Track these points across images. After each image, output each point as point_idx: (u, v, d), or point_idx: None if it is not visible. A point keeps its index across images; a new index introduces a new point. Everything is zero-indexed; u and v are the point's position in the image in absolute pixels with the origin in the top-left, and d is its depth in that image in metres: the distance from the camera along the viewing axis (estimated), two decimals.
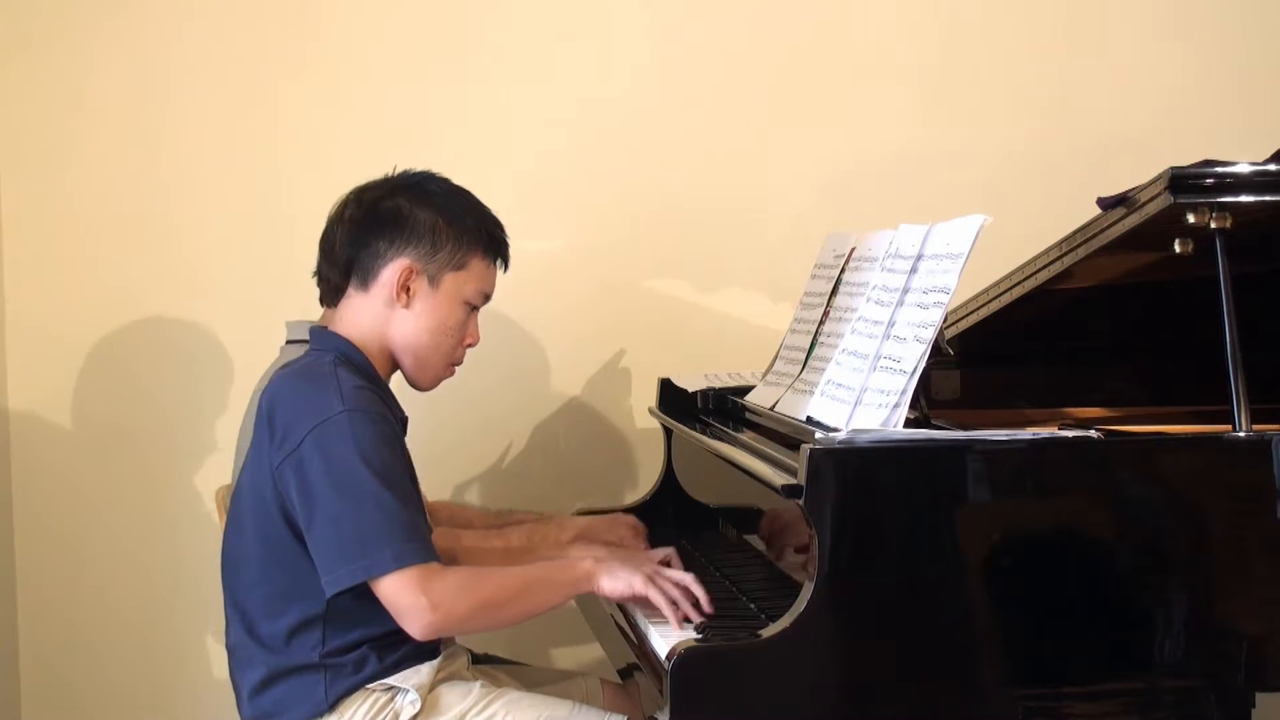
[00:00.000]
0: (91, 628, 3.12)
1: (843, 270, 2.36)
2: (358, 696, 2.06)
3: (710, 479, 2.60)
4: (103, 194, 3.10)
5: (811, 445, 1.86)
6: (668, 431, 2.82)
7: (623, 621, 2.18)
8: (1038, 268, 2.24)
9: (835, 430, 1.95)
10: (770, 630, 1.85)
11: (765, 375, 2.50)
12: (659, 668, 1.89)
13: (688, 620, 2.04)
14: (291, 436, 2.01)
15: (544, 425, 3.19)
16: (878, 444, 1.88)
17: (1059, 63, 3.27)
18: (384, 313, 2.17)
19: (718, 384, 2.73)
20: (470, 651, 2.31)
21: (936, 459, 1.90)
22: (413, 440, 2.17)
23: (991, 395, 2.65)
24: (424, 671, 2.08)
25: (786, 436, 2.14)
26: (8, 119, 3.07)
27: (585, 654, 3.10)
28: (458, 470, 3.14)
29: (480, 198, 2.24)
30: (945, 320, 2.07)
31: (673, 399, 2.79)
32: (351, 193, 2.24)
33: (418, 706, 2.05)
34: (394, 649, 2.07)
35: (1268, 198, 1.98)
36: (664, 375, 2.85)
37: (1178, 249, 2.02)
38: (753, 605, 2.15)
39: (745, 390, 2.56)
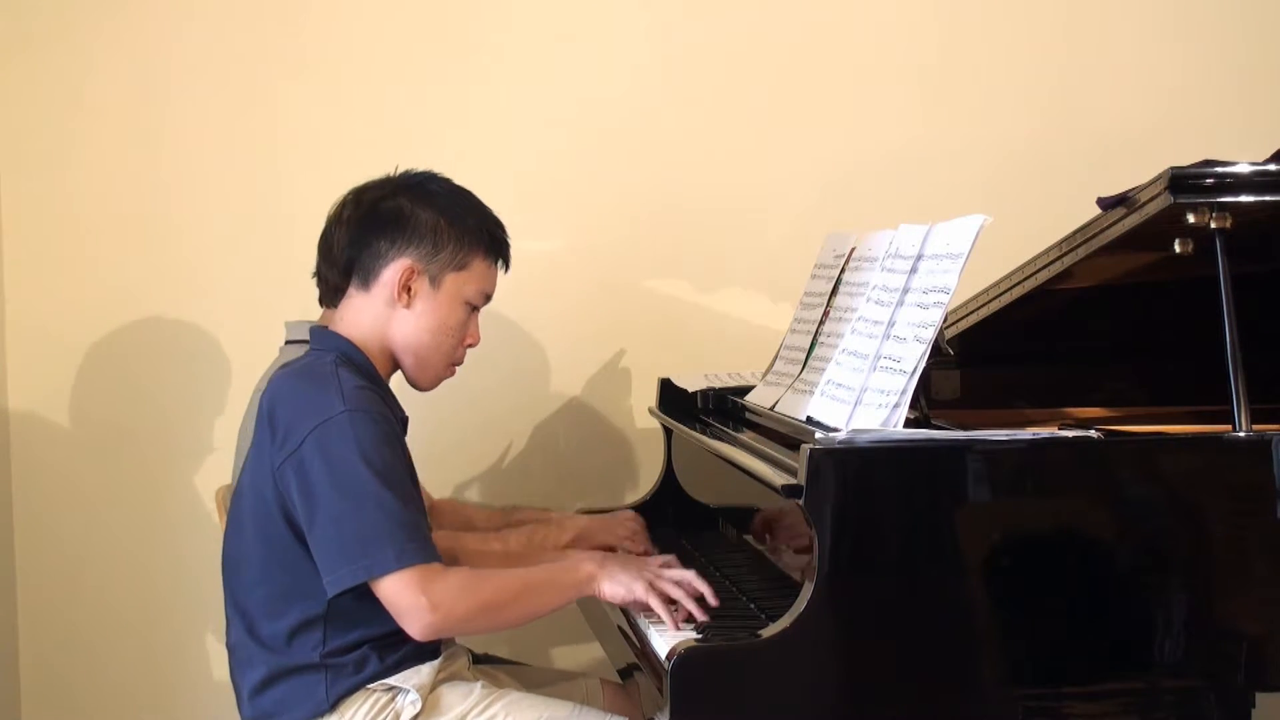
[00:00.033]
0: (91, 628, 3.12)
1: (843, 270, 2.36)
2: (358, 697, 2.05)
3: (710, 479, 2.60)
4: (103, 194, 3.10)
5: (811, 445, 1.86)
6: (668, 431, 2.82)
7: (623, 622, 2.18)
8: (1038, 268, 2.24)
9: (835, 430, 1.95)
10: (770, 630, 1.85)
11: (765, 375, 2.51)
12: (659, 668, 1.89)
13: (687, 620, 2.04)
14: (293, 436, 2.01)
15: (544, 425, 3.19)
16: (878, 444, 1.88)
17: (1059, 63, 3.27)
18: (385, 313, 2.17)
19: (718, 384, 2.73)
20: (471, 652, 2.31)
21: (936, 459, 1.90)
22: (413, 440, 2.17)
23: (991, 395, 2.65)
24: (425, 672, 2.08)
25: (786, 436, 2.14)
26: (8, 119, 3.07)
27: (585, 654, 3.10)
28: (458, 470, 3.14)
29: (481, 198, 2.24)
30: (945, 320, 2.07)
31: (673, 399, 2.79)
32: (350, 193, 2.25)
33: (418, 707, 2.05)
34: (395, 649, 2.07)
35: (1268, 198, 1.98)
36: (664, 375, 2.85)
37: (1178, 249, 2.02)
38: (753, 605, 2.15)
39: (745, 390, 2.56)
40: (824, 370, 2.20)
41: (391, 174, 2.25)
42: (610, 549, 2.44)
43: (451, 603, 1.98)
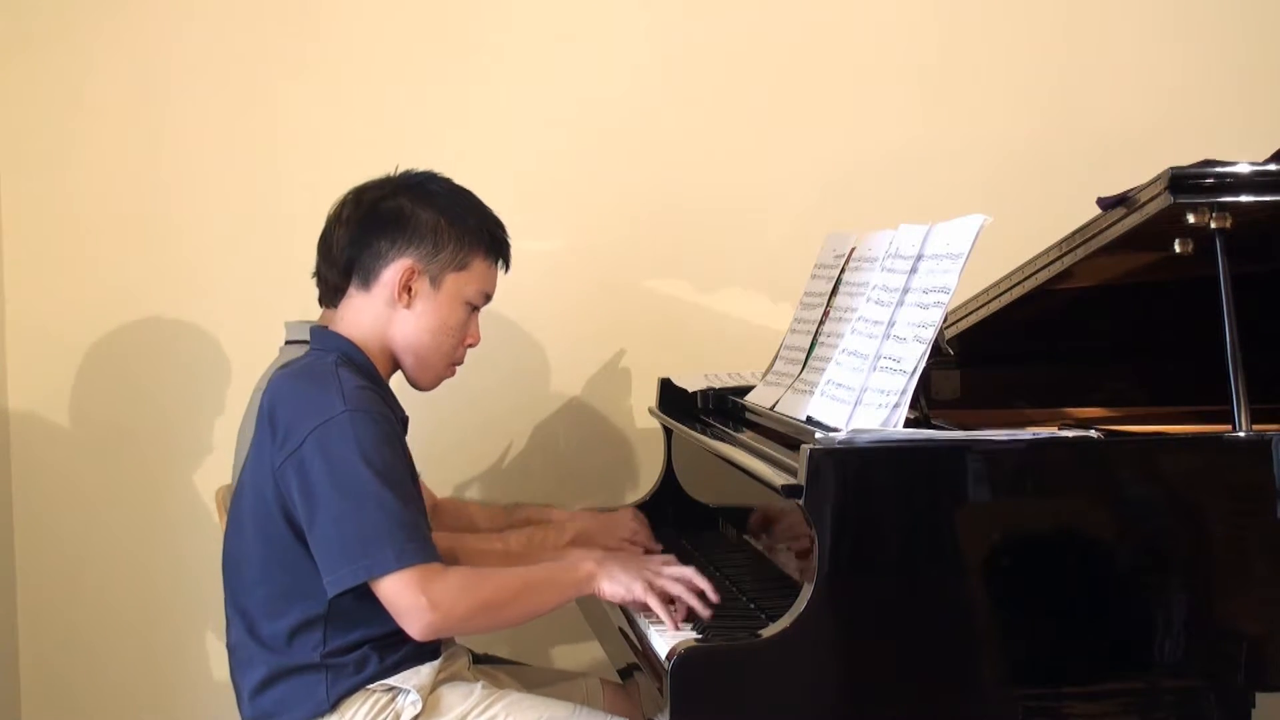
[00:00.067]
0: (91, 628, 3.12)
1: (843, 270, 2.36)
2: (359, 697, 2.06)
3: (710, 479, 2.60)
4: (103, 194, 3.10)
5: (811, 445, 1.86)
6: (668, 431, 2.82)
7: (623, 622, 2.18)
8: (1038, 268, 2.24)
9: (835, 430, 1.95)
10: (770, 630, 1.85)
11: (765, 375, 2.51)
12: (659, 668, 1.89)
13: (687, 619, 2.04)
14: (293, 436, 2.01)
15: (544, 425, 3.19)
16: (878, 444, 1.88)
17: (1059, 63, 3.27)
18: (385, 313, 2.17)
19: (718, 384, 2.73)
20: (471, 652, 2.31)
21: (936, 459, 1.90)
22: (413, 440, 2.17)
23: (991, 395, 2.65)
24: (425, 672, 2.08)
25: (786, 436, 2.14)
26: (8, 119, 3.07)
27: (585, 654, 3.10)
28: (458, 470, 3.14)
29: (481, 198, 2.24)
30: (945, 320, 2.07)
31: (673, 399, 2.79)
32: (350, 193, 2.25)
33: (419, 707, 2.05)
34: (395, 649, 2.07)
35: (1268, 198, 1.98)
36: (664, 375, 2.85)
37: (1178, 249, 2.02)
38: (753, 605, 2.15)
39: (745, 390, 2.56)
40: (824, 370, 2.20)
41: (391, 174, 2.25)
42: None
43: (451, 602, 1.98)
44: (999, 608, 1.90)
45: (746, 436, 2.31)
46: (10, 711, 3.09)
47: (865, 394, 2.03)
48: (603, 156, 3.17)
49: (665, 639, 1.96)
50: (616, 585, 2.07)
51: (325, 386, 2.04)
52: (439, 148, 2.92)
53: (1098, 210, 2.10)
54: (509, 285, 2.31)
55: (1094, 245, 2.12)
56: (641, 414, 3.12)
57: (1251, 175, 1.97)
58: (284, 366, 2.18)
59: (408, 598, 1.96)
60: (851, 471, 1.86)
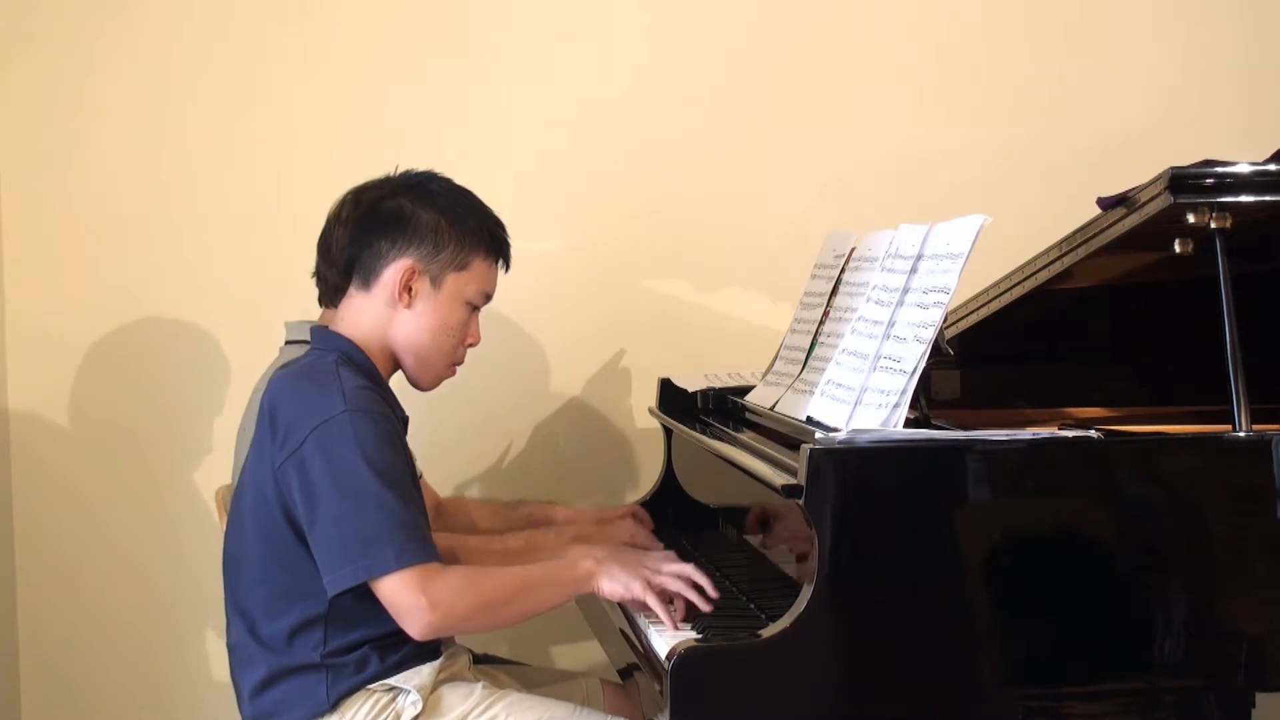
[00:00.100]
0: (91, 628, 3.12)
1: (843, 270, 2.36)
2: (359, 697, 2.05)
3: (710, 479, 2.60)
4: (103, 194, 3.10)
5: (811, 445, 1.86)
6: (668, 431, 2.82)
7: (623, 622, 2.18)
8: (1038, 268, 2.24)
9: (835, 430, 1.95)
10: (770, 630, 1.85)
11: (765, 375, 2.50)
12: (659, 668, 1.89)
13: (686, 619, 2.04)
14: (294, 436, 2.01)
15: (544, 425, 3.19)
16: (878, 444, 1.88)
17: (1059, 63, 3.27)
18: (385, 313, 2.17)
19: (718, 384, 2.73)
20: (471, 652, 2.31)
21: (936, 459, 1.90)
22: (413, 440, 2.18)
23: (991, 395, 2.65)
24: (425, 672, 2.08)
25: (786, 436, 2.14)
26: (8, 119, 3.07)
27: (585, 654, 3.10)
28: (458, 470, 3.14)
29: (481, 198, 2.24)
30: (945, 320, 2.07)
31: (673, 399, 2.79)
32: (350, 193, 2.25)
33: (419, 707, 2.05)
34: (395, 649, 2.07)
35: (1268, 198, 1.98)
36: (664, 375, 2.85)
37: (1178, 249, 2.02)
38: (753, 605, 2.15)
39: (745, 390, 2.56)
40: (824, 370, 2.20)
41: (391, 174, 2.25)
42: None
43: (451, 602, 1.98)
44: (999, 608, 1.90)
45: (746, 436, 2.31)
46: (10, 711, 3.09)
47: (865, 394, 2.03)
48: (603, 156, 3.17)
49: (665, 639, 1.96)
50: (615, 583, 2.07)
51: (326, 386, 2.04)
52: (439, 148, 2.93)
53: (1098, 210, 2.10)
54: (509, 285, 2.31)
55: (1094, 245, 2.12)
56: (641, 414, 3.12)
57: (1251, 175, 1.97)
58: (284, 366, 2.18)
59: (407, 597, 1.96)
60: (851, 471, 1.86)
